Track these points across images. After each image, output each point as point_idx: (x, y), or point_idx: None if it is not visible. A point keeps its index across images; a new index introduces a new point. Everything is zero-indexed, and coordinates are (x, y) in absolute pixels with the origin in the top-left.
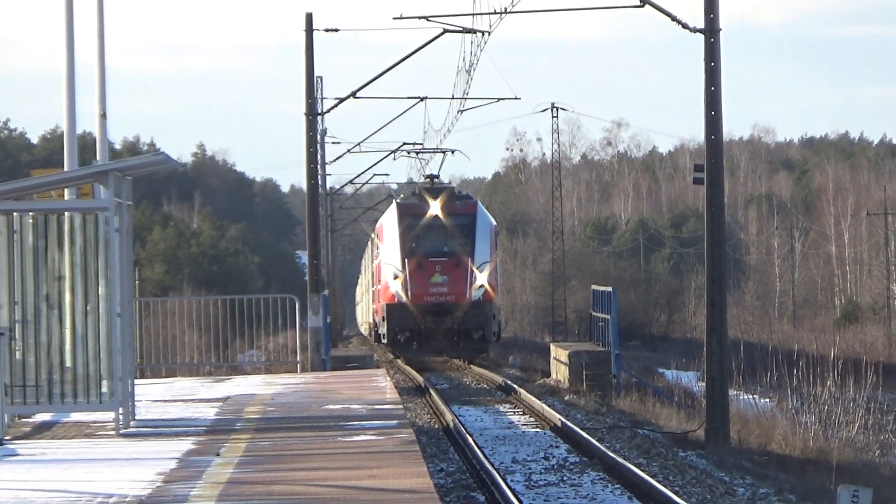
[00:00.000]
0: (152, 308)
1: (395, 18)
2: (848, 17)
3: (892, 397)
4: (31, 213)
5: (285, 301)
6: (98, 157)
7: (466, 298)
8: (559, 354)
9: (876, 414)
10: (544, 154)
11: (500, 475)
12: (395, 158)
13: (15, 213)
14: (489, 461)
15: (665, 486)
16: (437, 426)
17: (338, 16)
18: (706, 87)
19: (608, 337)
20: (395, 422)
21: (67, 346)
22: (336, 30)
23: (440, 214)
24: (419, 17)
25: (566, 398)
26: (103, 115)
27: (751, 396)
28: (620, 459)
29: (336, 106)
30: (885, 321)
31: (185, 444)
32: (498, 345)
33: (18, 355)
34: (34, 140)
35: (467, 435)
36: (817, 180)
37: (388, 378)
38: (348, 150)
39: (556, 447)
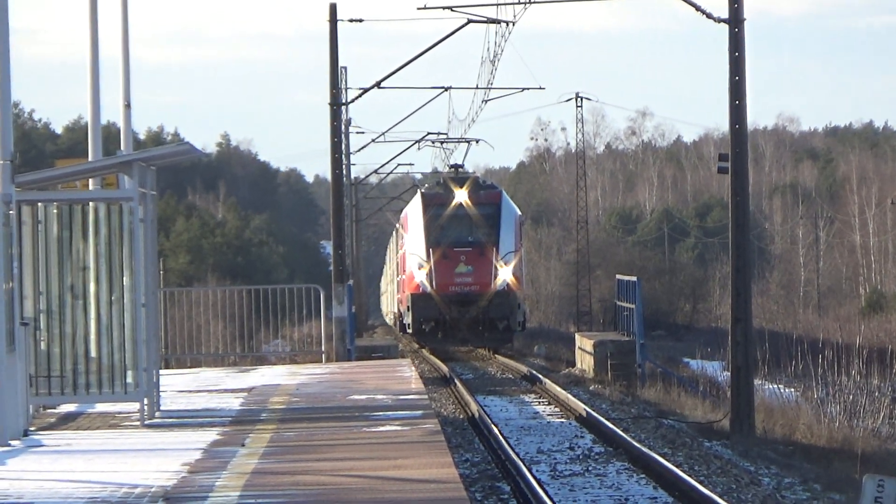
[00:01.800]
0: (177, 298)
1: (419, 9)
2: (868, 9)
3: None
4: (55, 204)
5: (310, 291)
6: (122, 147)
7: (491, 288)
8: (584, 344)
9: None
10: (569, 144)
11: (525, 465)
12: (419, 148)
13: (39, 204)
14: (514, 451)
15: (690, 475)
16: (461, 416)
17: (362, 6)
18: (730, 77)
19: (633, 326)
20: (420, 412)
21: (92, 337)
22: (360, 20)
23: (465, 204)
24: (443, 8)
25: (591, 388)
26: (127, 105)
27: (776, 386)
28: (645, 449)
29: (360, 96)
30: None
31: (211, 435)
32: (523, 334)
33: (43, 346)
34: (58, 130)
35: (492, 425)
36: (842, 169)
37: (413, 368)
38: (373, 140)
39: (581, 437)
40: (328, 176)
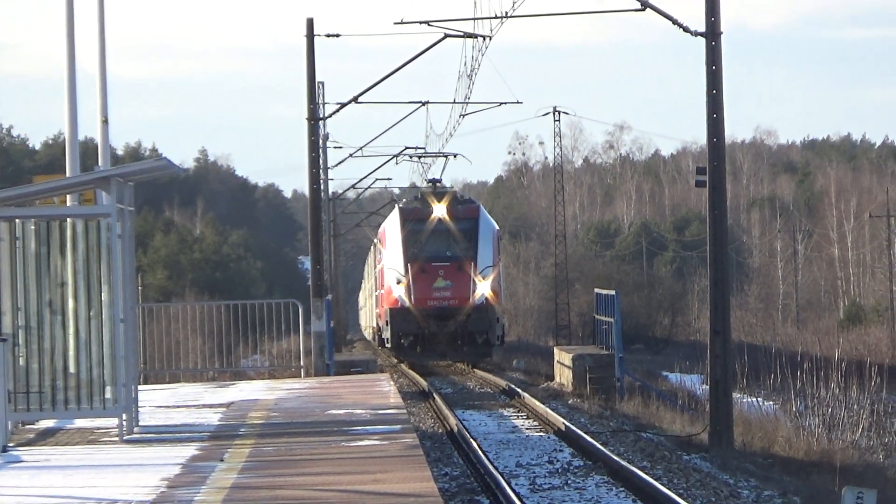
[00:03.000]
0: (155, 314)
1: (396, 23)
2: (843, 21)
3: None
4: (33, 220)
5: (288, 306)
6: (100, 163)
7: (470, 302)
8: (563, 358)
9: (880, 416)
10: (546, 158)
11: (504, 479)
12: (397, 163)
13: (17, 220)
14: (493, 465)
15: (669, 488)
16: (440, 430)
17: (339, 21)
18: (708, 91)
19: (611, 340)
20: (398, 426)
21: (71, 352)
22: (337, 35)
23: (443, 218)
24: (420, 22)
25: (570, 402)
26: (105, 121)
27: (754, 399)
28: (624, 463)
29: (338, 111)
30: (889, 323)
31: (189, 450)
32: (501, 349)
33: (22, 361)
34: (36, 146)
35: (471, 439)
36: (820, 182)
37: (392, 382)
38: (350, 155)
39: (560, 451)
40: (306, 191)
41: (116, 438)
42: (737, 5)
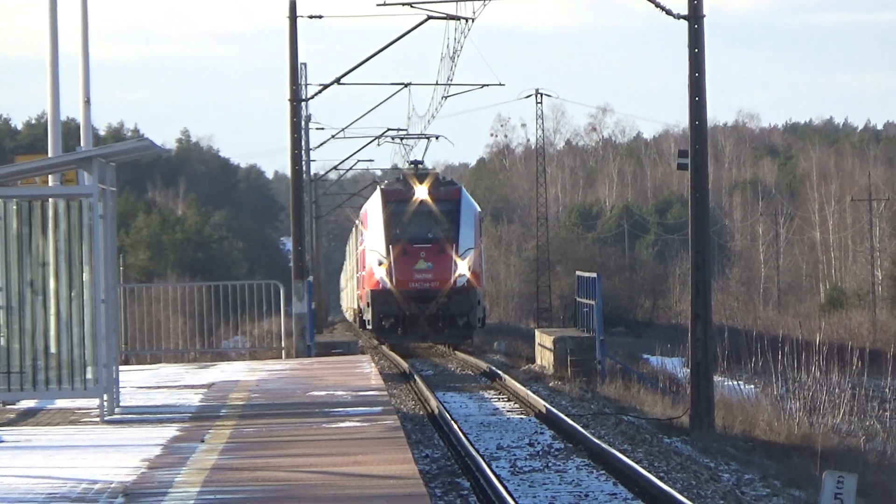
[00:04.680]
0: (137, 294)
1: (378, 5)
2: (824, 5)
3: (876, 383)
4: (14, 200)
5: (270, 287)
6: (82, 144)
7: (451, 284)
8: (544, 340)
9: (861, 400)
10: (529, 140)
11: (484, 461)
12: (379, 144)
13: None
14: (474, 447)
15: (650, 471)
16: (421, 412)
17: (322, 2)
18: (690, 73)
19: (593, 323)
20: (379, 408)
21: (52, 333)
22: (320, 16)
23: (425, 200)
24: (403, 4)
25: (551, 384)
26: (87, 102)
27: (736, 382)
28: (605, 445)
29: (320, 92)
30: (870, 307)
31: (170, 431)
32: (483, 331)
33: (3, 342)
34: (18, 126)
35: (452, 421)
36: (801, 166)
37: (373, 364)
38: (332, 136)
39: (541, 433)
40: (288, 172)
41: (97, 419)
42: None
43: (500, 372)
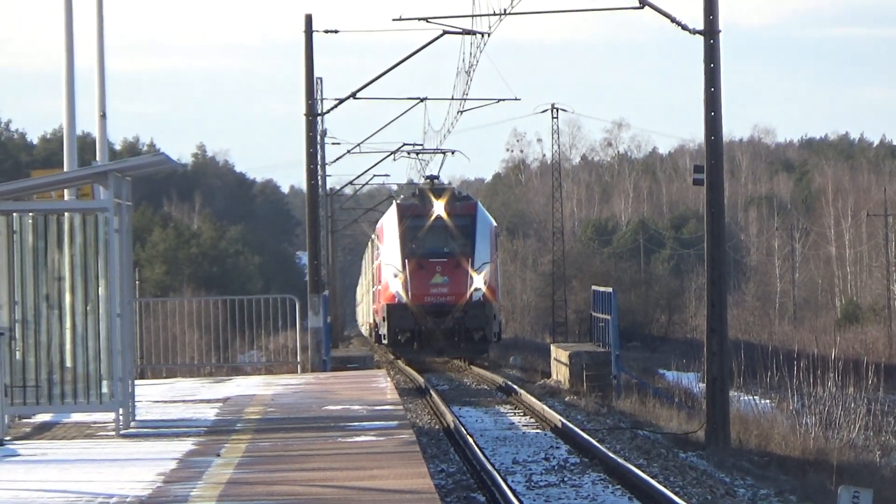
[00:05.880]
0: (152, 308)
1: (394, 20)
2: (839, 20)
3: (892, 398)
4: (31, 214)
5: (285, 301)
6: (98, 158)
7: (466, 298)
8: (559, 355)
9: (876, 415)
10: (544, 155)
11: (500, 476)
12: (395, 159)
13: (15, 214)
14: (490, 462)
15: (666, 486)
16: (437, 427)
17: (337, 17)
18: (706, 89)
19: (608, 338)
20: (395, 422)
21: (68, 347)
22: (336, 31)
23: (440, 215)
24: (419, 19)
25: (566, 399)
26: (103, 116)
27: (751, 397)
28: (621, 460)
29: (336, 107)
30: (886, 321)
31: (186, 445)
32: (498, 345)
33: (19, 355)
34: (34, 140)
35: (468, 436)
36: (817, 181)
37: (389, 379)
38: (348, 151)
39: (557, 448)
40: (304, 187)
41: (113, 433)
42: (729, 5)
43: (515, 387)
